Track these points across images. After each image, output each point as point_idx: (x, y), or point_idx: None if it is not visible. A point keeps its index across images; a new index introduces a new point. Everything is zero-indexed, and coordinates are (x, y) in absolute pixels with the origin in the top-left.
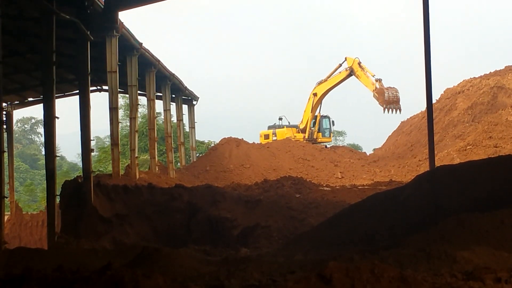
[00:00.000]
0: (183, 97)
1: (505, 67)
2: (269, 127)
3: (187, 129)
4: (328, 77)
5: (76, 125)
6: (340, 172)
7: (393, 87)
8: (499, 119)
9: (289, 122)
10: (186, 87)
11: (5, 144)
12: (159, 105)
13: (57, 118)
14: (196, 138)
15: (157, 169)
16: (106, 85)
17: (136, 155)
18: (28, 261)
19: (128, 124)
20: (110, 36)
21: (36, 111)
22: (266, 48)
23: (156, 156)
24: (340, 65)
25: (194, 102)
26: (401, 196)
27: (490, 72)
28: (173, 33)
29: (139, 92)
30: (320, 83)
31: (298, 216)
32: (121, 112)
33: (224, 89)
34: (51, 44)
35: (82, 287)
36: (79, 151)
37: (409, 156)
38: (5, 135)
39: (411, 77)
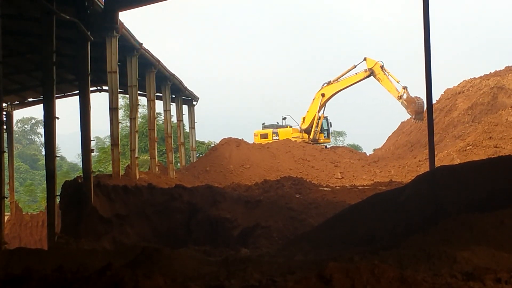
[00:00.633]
0: (183, 97)
1: (505, 67)
2: (265, 126)
3: (187, 129)
4: (339, 77)
5: (76, 125)
6: (340, 173)
7: (419, 97)
8: (499, 119)
9: (296, 123)
10: (186, 87)
11: (5, 145)
12: (159, 106)
13: (57, 118)
14: (196, 139)
15: (157, 169)
16: (106, 86)
17: (136, 155)
18: (28, 262)
19: (128, 124)
20: (110, 36)
21: (36, 112)
22: (266, 48)
23: (156, 157)
24: (355, 66)
25: (194, 103)
26: (401, 196)
27: (490, 73)
28: (173, 33)
29: (139, 92)
30: (329, 83)
31: (298, 217)
32: (121, 113)
33: (224, 89)
34: (51, 44)
35: (82, 287)
36: (79, 151)
37: (409, 157)
38: (5, 135)
39: (411, 78)
